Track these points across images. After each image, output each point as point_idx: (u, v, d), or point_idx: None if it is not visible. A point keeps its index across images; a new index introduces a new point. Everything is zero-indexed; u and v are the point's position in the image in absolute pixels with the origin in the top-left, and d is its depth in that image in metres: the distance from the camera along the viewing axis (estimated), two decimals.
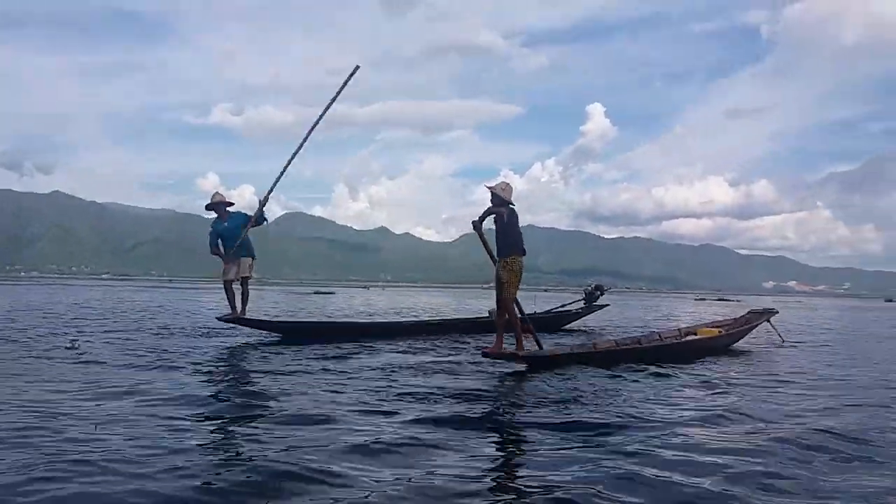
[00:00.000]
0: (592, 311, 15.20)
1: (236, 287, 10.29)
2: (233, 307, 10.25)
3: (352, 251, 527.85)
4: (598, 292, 15.10)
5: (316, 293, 45.91)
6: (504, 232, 7.50)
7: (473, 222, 7.40)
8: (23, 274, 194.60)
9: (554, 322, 13.77)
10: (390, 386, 5.92)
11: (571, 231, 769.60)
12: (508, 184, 7.61)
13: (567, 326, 14.11)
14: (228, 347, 9.11)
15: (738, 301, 58.76)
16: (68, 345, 8.11)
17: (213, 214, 10.38)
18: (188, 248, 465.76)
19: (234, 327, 10.60)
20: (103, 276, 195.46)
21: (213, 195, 10.51)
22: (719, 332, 10.13)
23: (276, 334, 10.63)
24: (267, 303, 22.84)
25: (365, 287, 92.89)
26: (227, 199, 10.52)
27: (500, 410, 5.08)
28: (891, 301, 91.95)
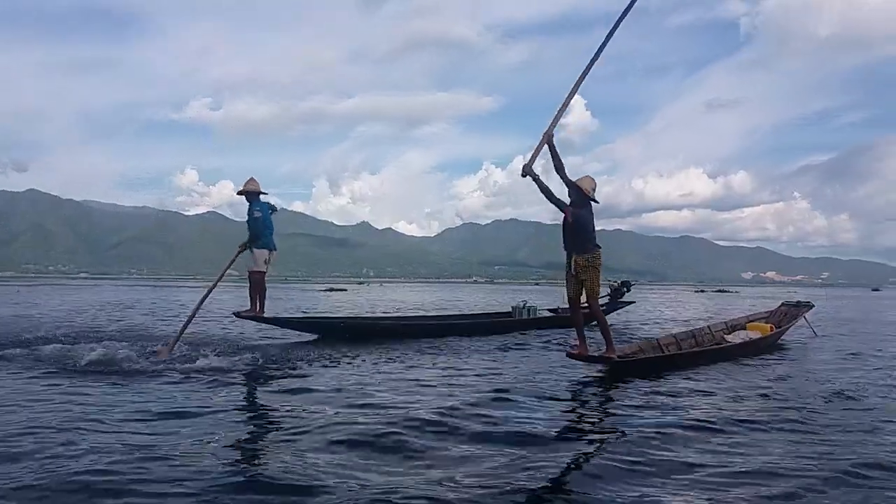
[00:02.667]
0: (618, 308, 14.77)
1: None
2: (252, 303, 9.80)
3: (333, 247, 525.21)
4: (625, 288, 14.65)
5: (330, 290, 45.81)
6: (580, 227, 6.71)
7: (526, 167, 6.59)
8: None
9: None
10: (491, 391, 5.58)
11: (555, 224, 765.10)
12: (593, 178, 6.85)
13: (593, 323, 13.83)
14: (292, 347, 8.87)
15: (736, 292, 62.16)
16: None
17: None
18: (168, 245, 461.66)
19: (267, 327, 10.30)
20: (80, 275, 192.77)
21: (248, 182, 9.82)
22: (771, 328, 9.85)
23: (309, 334, 10.20)
24: (289, 303, 21.94)
25: (361, 283, 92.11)
26: (259, 188, 9.78)
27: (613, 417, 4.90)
28: (877, 290, 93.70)
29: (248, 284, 9.81)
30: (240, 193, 9.72)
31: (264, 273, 9.73)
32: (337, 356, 7.67)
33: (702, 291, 62.90)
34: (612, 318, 14.68)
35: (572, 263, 6.78)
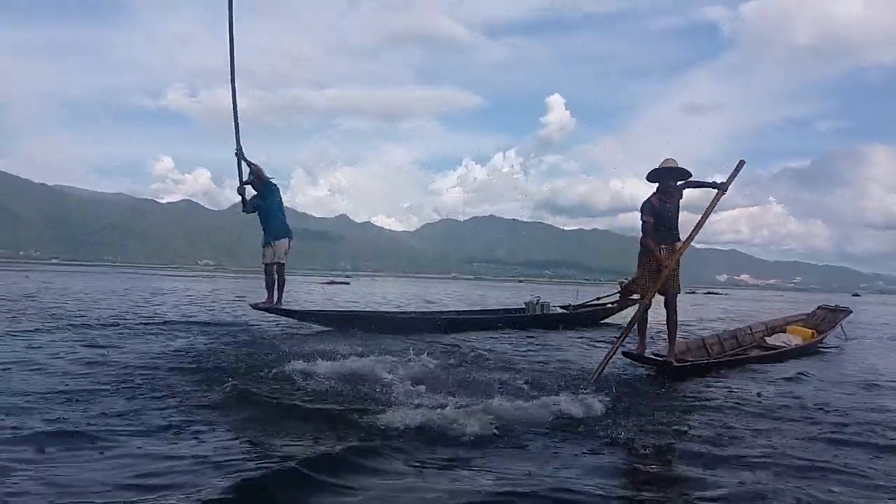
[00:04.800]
0: (628, 306, 14.64)
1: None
2: (269, 294, 9.69)
3: (312, 240, 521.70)
4: (635, 286, 14.60)
5: (331, 283, 45.62)
6: (676, 215, 6.57)
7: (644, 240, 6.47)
8: None
9: (593, 316, 13.40)
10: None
11: (532, 222, 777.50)
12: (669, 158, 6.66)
13: (605, 321, 13.58)
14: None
15: (726, 294, 67.06)
16: None
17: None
18: (141, 233, 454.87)
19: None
20: (52, 261, 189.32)
21: (261, 170, 9.66)
22: (812, 333, 9.68)
23: (323, 325, 10.00)
24: (298, 296, 21.15)
25: (348, 276, 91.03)
26: (265, 175, 9.66)
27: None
28: (857, 295, 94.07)
29: (264, 276, 9.75)
30: (245, 183, 9.56)
31: (284, 264, 9.69)
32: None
33: (692, 293, 63.36)
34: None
35: (662, 259, 6.39)
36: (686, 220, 6.71)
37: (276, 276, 9.63)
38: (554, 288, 57.73)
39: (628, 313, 14.77)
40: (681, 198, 6.62)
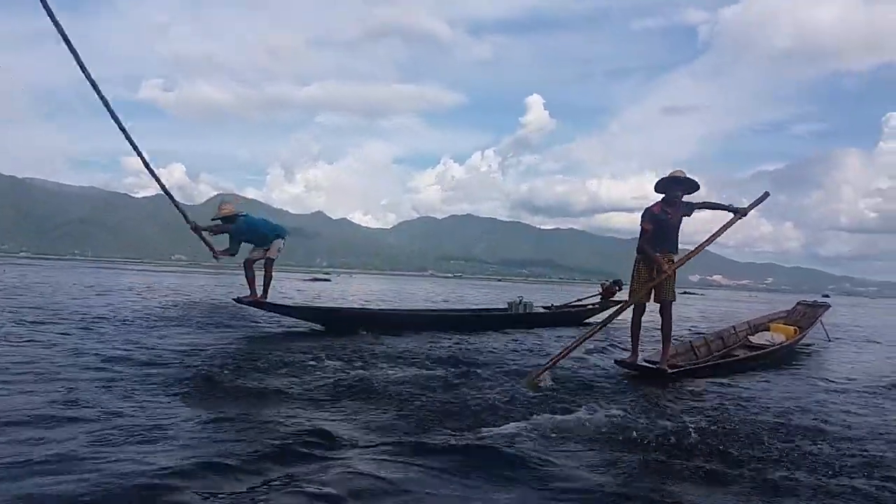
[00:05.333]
0: (609, 307, 14.98)
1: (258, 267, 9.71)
2: (252, 289, 9.57)
3: (288, 236, 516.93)
4: (617, 287, 15.09)
5: (314, 280, 45.68)
6: (677, 226, 6.54)
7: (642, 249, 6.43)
8: None
9: (576, 317, 13.77)
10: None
11: (510, 221, 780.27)
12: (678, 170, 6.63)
13: (588, 321, 13.68)
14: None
15: (702, 294, 67.12)
16: None
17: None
18: (114, 227, 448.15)
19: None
20: (21, 254, 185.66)
21: (222, 206, 9.57)
22: (795, 330, 9.66)
23: (315, 324, 9.97)
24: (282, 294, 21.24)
25: (327, 273, 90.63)
26: (236, 211, 9.55)
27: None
28: (827, 296, 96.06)
29: (244, 271, 9.73)
30: (223, 220, 9.47)
31: (273, 260, 9.70)
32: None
33: None
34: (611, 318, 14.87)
35: (663, 263, 6.36)
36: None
37: (262, 271, 9.61)
38: (532, 287, 57.99)
39: (608, 314, 15.03)
40: (688, 214, 6.59)
